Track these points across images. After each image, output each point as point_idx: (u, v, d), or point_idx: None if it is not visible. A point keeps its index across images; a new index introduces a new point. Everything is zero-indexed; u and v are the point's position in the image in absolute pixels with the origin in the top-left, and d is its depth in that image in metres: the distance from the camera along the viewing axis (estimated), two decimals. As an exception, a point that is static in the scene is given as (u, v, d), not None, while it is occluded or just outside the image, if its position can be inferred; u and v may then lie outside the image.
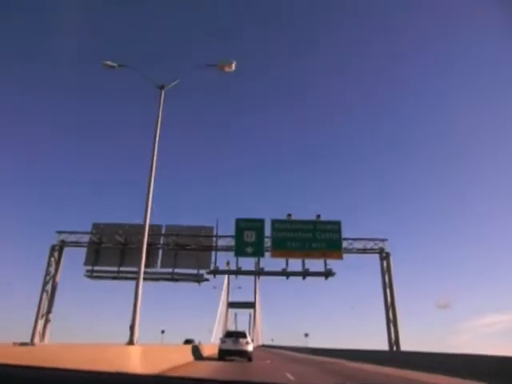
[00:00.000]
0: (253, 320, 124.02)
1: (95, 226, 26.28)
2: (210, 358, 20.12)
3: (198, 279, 25.32)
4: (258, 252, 24.84)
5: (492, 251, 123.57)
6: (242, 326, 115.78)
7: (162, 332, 49.00)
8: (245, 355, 19.24)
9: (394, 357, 21.77)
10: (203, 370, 12.96)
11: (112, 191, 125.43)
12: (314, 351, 41.08)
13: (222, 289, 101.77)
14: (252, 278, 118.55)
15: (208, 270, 24.97)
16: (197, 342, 37.41)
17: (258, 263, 25.30)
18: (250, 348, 19.52)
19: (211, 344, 35.15)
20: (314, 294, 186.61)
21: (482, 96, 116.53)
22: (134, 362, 8.79)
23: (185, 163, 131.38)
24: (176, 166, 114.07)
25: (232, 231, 25.49)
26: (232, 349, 19.22)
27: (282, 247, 24.90)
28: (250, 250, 24.75)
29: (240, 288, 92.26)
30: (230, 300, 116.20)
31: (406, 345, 24.17)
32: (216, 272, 24.88)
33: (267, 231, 25.30)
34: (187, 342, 40.71)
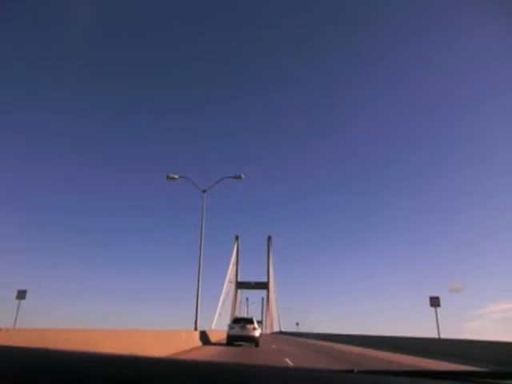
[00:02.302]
0: (266, 303, 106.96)
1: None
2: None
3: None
4: None
5: None
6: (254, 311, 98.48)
7: (20, 296, 21.55)
8: (252, 340, 19.96)
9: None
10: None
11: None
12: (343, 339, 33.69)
13: (231, 261, 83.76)
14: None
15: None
16: None
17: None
18: (257, 334, 20.20)
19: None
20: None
21: None
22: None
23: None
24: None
25: None
26: (240, 334, 19.93)
27: None
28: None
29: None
30: (240, 279, 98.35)
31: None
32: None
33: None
34: None
